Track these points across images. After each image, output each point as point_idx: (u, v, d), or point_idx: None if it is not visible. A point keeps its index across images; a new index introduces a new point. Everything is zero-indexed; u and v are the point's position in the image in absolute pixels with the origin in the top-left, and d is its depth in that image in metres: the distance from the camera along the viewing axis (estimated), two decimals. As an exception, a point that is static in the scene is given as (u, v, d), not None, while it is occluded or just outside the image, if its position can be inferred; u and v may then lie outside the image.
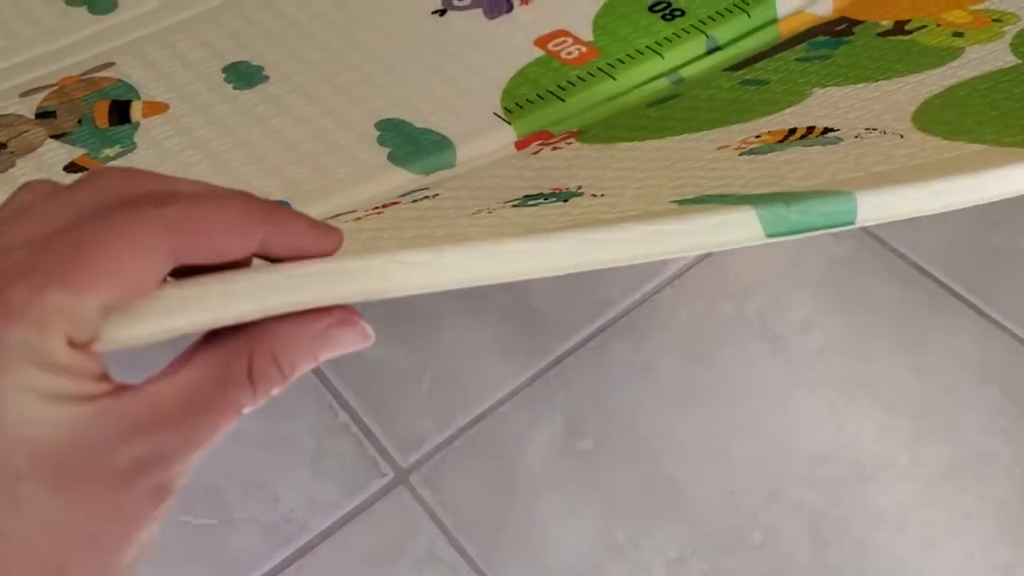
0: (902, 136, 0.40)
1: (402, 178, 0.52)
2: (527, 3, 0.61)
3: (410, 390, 0.72)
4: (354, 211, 0.49)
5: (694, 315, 0.76)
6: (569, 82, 0.57)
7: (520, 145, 0.54)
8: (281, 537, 0.65)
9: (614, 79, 0.57)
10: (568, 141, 0.53)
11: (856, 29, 0.58)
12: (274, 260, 0.25)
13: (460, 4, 0.62)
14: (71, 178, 0.51)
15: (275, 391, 0.25)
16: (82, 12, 0.61)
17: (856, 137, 0.41)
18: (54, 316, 0.21)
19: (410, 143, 0.53)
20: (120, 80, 0.56)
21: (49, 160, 0.53)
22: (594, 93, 0.56)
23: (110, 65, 0.57)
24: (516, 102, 0.56)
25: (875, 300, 0.77)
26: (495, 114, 0.55)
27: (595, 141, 0.53)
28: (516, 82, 0.57)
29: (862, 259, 0.79)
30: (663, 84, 0.57)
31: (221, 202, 0.24)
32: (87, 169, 0.52)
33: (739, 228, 0.28)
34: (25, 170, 0.52)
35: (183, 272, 0.24)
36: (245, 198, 0.25)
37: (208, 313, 0.23)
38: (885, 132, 0.41)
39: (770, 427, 0.70)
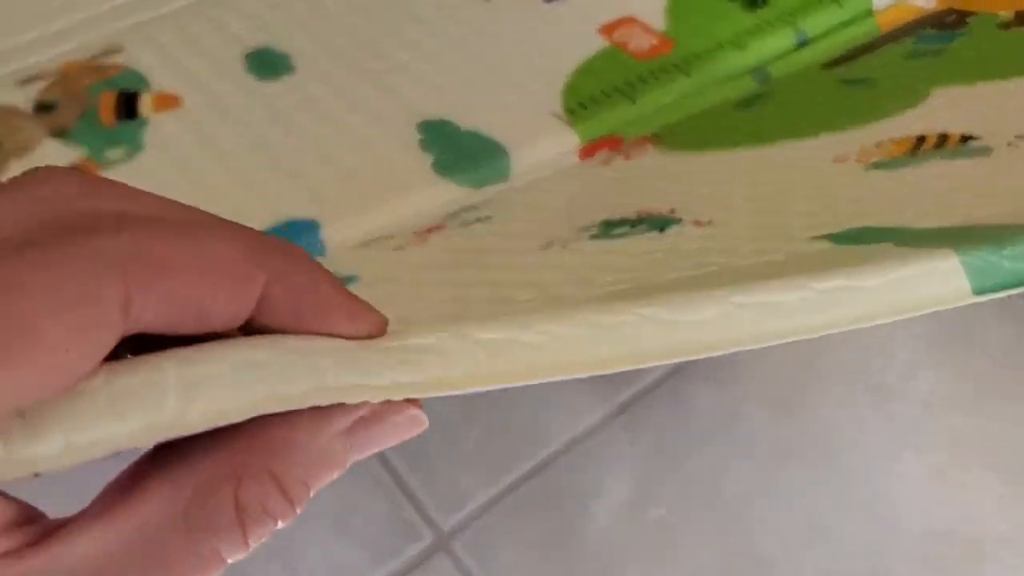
0: None
1: (449, 192, 0.46)
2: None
3: (454, 438, 0.64)
4: (391, 237, 0.43)
5: (784, 357, 0.68)
6: (640, 78, 0.51)
7: (585, 152, 0.49)
8: (301, 609, 0.57)
9: (689, 75, 0.50)
10: (644, 148, 0.47)
11: (969, 20, 0.52)
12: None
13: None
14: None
15: (279, 526, 0.17)
16: (88, -12, 0.56)
17: (1008, 145, 0.34)
18: None
19: (456, 148, 0.47)
20: (128, 68, 0.50)
21: (46, 163, 0.46)
22: (667, 91, 0.51)
23: (119, 50, 0.51)
24: (579, 101, 0.50)
25: (990, 349, 0.68)
26: (554, 115, 0.49)
27: (677, 148, 0.47)
28: (579, 77, 0.51)
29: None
30: (747, 82, 0.51)
31: (204, 236, 0.16)
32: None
33: (940, 282, 0.20)
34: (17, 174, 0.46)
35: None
36: (239, 229, 0.17)
37: (152, 414, 0.15)
38: None
39: (874, 495, 0.62)
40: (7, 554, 0.15)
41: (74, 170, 0.17)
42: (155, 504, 0.16)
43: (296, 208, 0.44)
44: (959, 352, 0.68)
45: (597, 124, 0.49)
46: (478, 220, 0.41)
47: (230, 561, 0.17)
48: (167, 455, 0.17)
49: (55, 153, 0.47)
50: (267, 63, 0.51)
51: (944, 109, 0.41)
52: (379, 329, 0.18)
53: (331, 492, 0.60)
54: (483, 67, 0.51)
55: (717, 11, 0.53)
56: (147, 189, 0.18)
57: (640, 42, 0.52)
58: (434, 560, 0.59)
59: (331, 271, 0.18)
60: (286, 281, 0.17)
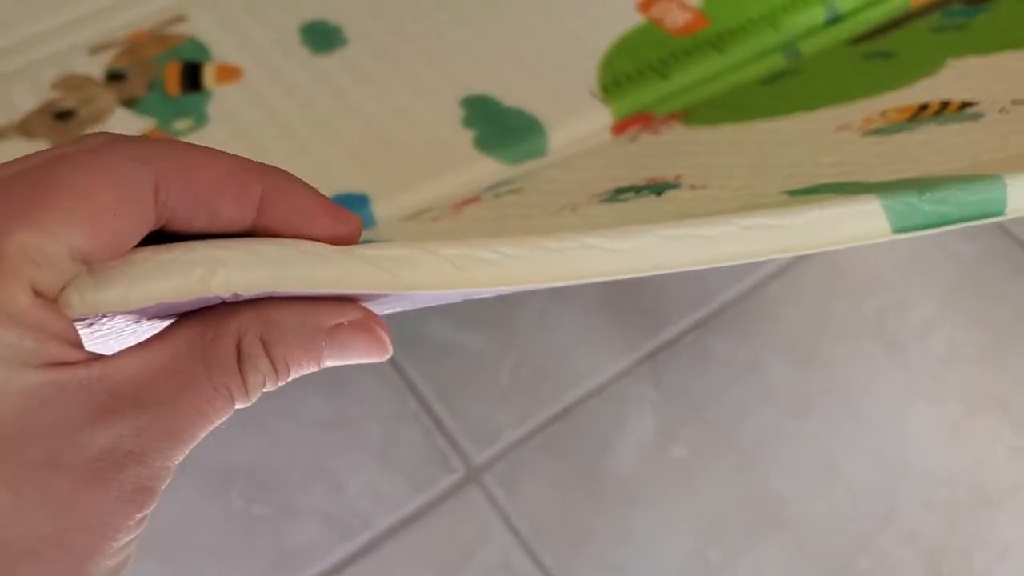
0: None
1: (489, 168, 0.48)
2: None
3: (487, 378, 0.67)
4: (432, 209, 0.46)
5: (805, 311, 0.70)
6: (673, 55, 0.52)
7: (617, 129, 0.50)
8: (343, 531, 0.62)
9: (722, 52, 0.52)
10: (670, 124, 0.49)
11: None
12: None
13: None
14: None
15: (267, 387, 0.21)
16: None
17: (1000, 111, 0.36)
18: (16, 257, 0.18)
19: (497, 125, 0.50)
20: (192, 38, 0.53)
21: (119, 131, 0.50)
22: (700, 69, 0.52)
23: (182, 19, 0.54)
24: (614, 79, 0.51)
25: (1007, 304, 0.69)
26: (590, 92, 0.51)
27: (700, 123, 0.48)
28: (615, 54, 0.52)
29: (993, 257, 0.72)
30: (777, 59, 0.52)
31: (212, 153, 0.21)
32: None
33: (860, 222, 0.23)
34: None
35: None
36: (237, 157, 0.21)
37: (185, 280, 0.20)
38: None
39: (885, 441, 0.64)
40: (73, 363, 0.19)
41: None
42: (184, 339, 0.20)
43: (349, 182, 0.47)
44: (977, 305, 0.69)
45: (630, 101, 0.50)
46: (510, 192, 0.43)
47: (237, 405, 0.21)
48: (191, 315, 0.21)
49: (126, 122, 0.50)
50: (321, 36, 0.53)
51: (956, 79, 0.42)
52: (358, 228, 0.22)
53: (376, 427, 0.64)
54: (529, 43, 0.52)
55: (752, -12, 0.53)
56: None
57: (676, 18, 0.53)
58: (465, 491, 0.63)
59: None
60: (279, 190, 0.21)
